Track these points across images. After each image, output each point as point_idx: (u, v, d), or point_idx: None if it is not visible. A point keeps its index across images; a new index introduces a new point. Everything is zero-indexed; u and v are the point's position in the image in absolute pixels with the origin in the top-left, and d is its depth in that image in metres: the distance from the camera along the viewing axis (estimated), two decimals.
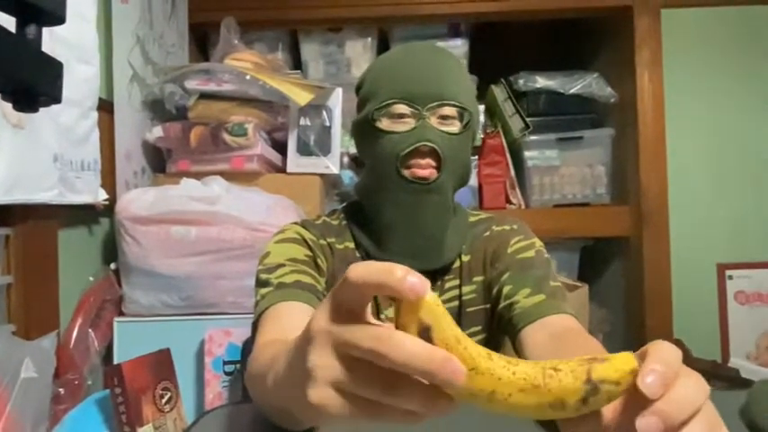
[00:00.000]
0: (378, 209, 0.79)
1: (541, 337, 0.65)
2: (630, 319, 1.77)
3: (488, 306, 0.79)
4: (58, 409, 1.04)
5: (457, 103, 0.76)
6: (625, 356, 0.33)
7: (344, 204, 0.90)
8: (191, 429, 0.56)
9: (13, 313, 1.02)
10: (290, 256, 0.75)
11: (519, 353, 0.69)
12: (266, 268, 0.74)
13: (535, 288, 0.71)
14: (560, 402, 0.32)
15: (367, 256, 0.79)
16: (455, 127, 0.76)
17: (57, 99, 0.31)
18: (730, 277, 1.71)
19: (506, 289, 0.73)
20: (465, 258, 0.81)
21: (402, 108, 0.75)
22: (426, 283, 0.31)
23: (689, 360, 1.53)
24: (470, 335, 0.77)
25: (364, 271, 0.31)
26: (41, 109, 0.31)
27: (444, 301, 0.79)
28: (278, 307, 0.68)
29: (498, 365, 0.32)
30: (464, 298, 0.79)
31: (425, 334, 0.31)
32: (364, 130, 0.80)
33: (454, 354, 0.31)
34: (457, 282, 0.80)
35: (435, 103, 0.74)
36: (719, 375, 1.25)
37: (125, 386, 0.99)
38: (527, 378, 0.32)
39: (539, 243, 0.80)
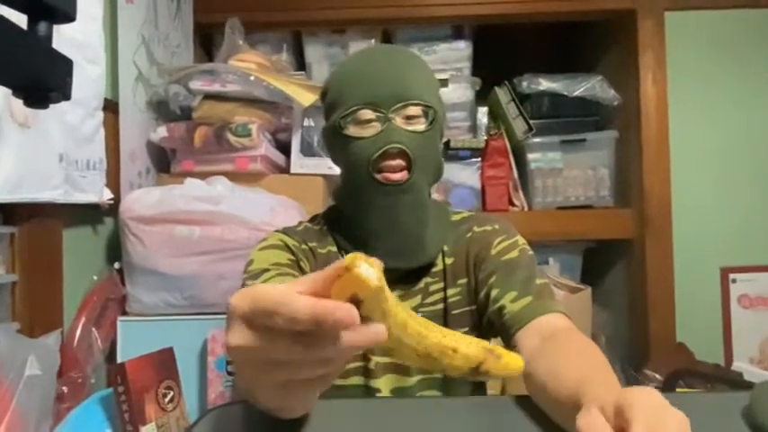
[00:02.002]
0: (356, 213, 0.80)
1: (532, 343, 0.66)
2: (633, 321, 1.77)
3: (474, 308, 0.79)
4: (61, 408, 1.04)
5: (420, 102, 0.76)
6: (516, 360, 0.41)
7: (324, 209, 0.91)
8: (194, 427, 0.57)
9: (18, 311, 1.02)
10: (274, 261, 0.76)
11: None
12: (251, 275, 0.75)
13: (522, 290, 0.72)
14: (445, 371, 0.40)
15: None
16: (421, 125, 0.77)
17: (67, 96, 0.31)
18: (734, 281, 1.70)
19: (494, 293, 0.74)
20: (448, 261, 0.82)
21: (367, 113, 0.76)
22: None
23: (692, 363, 1.53)
24: None
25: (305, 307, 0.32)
26: (47, 109, 0.32)
27: (429, 304, 0.80)
28: None
29: (409, 335, 0.38)
30: (449, 300, 0.80)
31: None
32: (333, 137, 0.81)
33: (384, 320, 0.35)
34: (441, 285, 0.81)
35: (399, 105, 0.75)
36: (722, 378, 1.25)
37: (128, 385, 0.99)
38: (426, 349, 0.39)
39: (521, 241, 0.80)
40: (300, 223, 0.88)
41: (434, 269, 0.82)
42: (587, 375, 0.51)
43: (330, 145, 0.84)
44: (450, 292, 0.81)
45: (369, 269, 0.33)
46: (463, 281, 0.81)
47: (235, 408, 0.60)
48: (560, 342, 0.63)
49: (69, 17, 0.32)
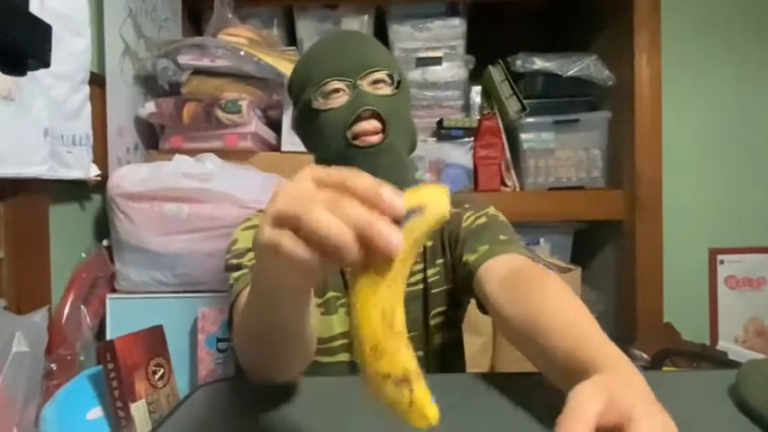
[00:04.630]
0: None
1: (492, 285, 0.66)
2: (622, 301, 1.79)
3: (451, 287, 0.82)
4: (50, 385, 1.04)
5: (384, 67, 0.80)
6: (433, 410, 0.35)
7: None
8: (185, 402, 0.57)
9: (4, 288, 1.01)
10: None
11: (481, 305, 0.72)
12: (235, 254, 0.76)
13: (486, 242, 0.73)
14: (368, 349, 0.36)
15: None
16: (388, 89, 0.80)
17: (46, 63, 0.30)
18: (722, 262, 1.72)
19: (465, 256, 0.75)
20: (428, 243, 0.83)
21: (336, 84, 0.79)
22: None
23: (678, 343, 1.55)
24: (436, 314, 0.81)
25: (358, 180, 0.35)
26: (31, 82, 0.31)
27: (410, 284, 0.82)
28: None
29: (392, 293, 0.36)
30: (429, 281, 0.82)
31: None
32: (306, 117, 0.83)
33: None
34: (422, 266, 0.83)
35: (365, 71, 0.79)
36: (709, 357, 1.27)
37: (118, 362, 0.99)
38: (363, 337, 0.36)
39: (492, 210, 0.82)
40: None
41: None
42: (582, 334, 0.50)
43: (303, 128, 0.86)
44: (429, 272, 0.83)
45: (447, 203, 0.37)
46: (440, 260, 0.83)
47: (225, 384, 0.60)
48: (529, 279, 0.62)
49: None
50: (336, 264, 0.35)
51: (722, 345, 1.64)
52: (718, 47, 1.72)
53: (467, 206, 0.84)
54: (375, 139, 0.77)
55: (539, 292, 0.58)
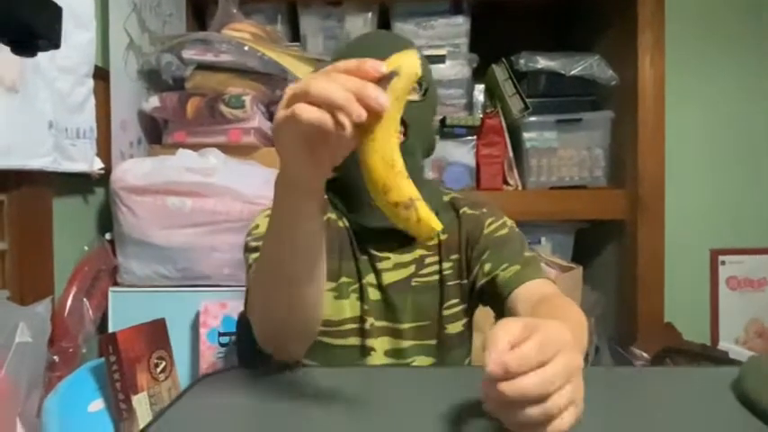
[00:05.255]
0: (355, 178, 0.81)
1: (525, 306, 0.72)
2: (623, 301, 1.79)
3: (465, 282, 0.85)
4: (52, 377, 1.05)
5: None
6: (434, 220, 0.47)
7: None
8: (187, 392, 0.57)
9: (8, 279, 1.02)
10: None
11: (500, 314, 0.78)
12: (255, 237, 0.80)
13: (512, 260, 0.79)
14: (380, 191, 0.47)
15: (350, 224, 0.84)
16: (416, 95, 0.82)
17: (56, 44, 0.30)
18: (723, 263, 1.72)
19: (487, 266, 0.80)
20: (443, 237, 0.86)
21: None
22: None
23: (679, 343, 1.55)
24: (450, 306, 0.85)
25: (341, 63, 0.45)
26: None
27: (425, 275, 0.85)
28: None
29: (388, 135, 0.46)
30: (444, 273, 0.85)
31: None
32: None
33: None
34: (436, 258, 0.86)
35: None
36: (709, 357, 1.27)
37: (120, 354, 0.99)
38: (384, 157, 0.46)
39: (509, 221, 0.87)
40: None
41: (430, 242, 0.85)
42: None
43: None
44: (444, 265, 0.85)
45: (418, 62, 0.45)
46: (455, 257, 0.85)
47: (227, 375, 0.60)
48: (549, 306, 0.68)
49: None
50: (343, 128, 0.43)
51: (723, 345, 1.64)
52: (722, 48, 1.72)
53: (485, 210, 0.87)
54: None
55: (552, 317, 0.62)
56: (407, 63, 0.45)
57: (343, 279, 0.83)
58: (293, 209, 0.54)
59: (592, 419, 0.44)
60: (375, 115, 0.44)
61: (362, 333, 0.82)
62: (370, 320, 0.82)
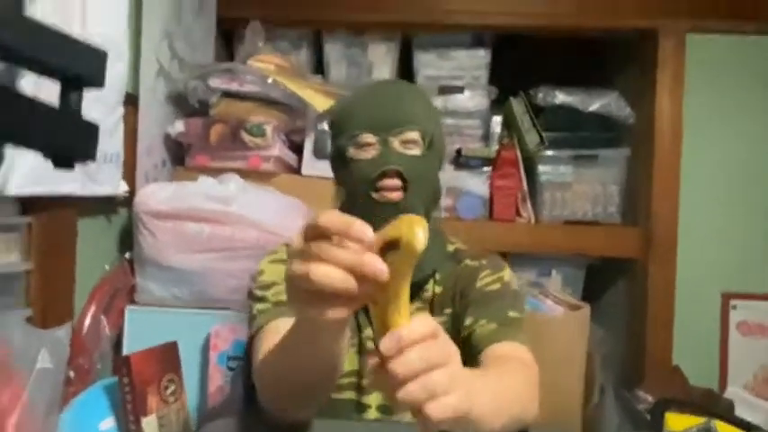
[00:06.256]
0: None
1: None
2: (631, 341, 1.78)
3: (460, 335, 0.83)
4: (67, 392, 1.08)
5: (417, 128, 0.82)
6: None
7: None
8: None
9: (32, 298, 1.06)
10: (283, 276, 0.80)
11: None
12: (261, 285, 0.82)
13: (492, 318, 0.77)
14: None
15: None
16: (418, 150, 0.83)
17: (92, 157, 0.34)
18: (734, 307, 1.71)
19: (468, 320, 0.79)
20: (437, 289, 0.86)
21: (368, 137, 0.82)
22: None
23: (685, 388, 1.54)
24: None
25: (329, 218, 0.45)
26: (74, 169, 0.35)
27: None
28: (277, 322, 0.75)
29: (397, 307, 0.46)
30: None
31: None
32: (338, 160, 0.87)
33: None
34: (427, 312, 0.85)
35: (397, 129, 0.81)
36: (711, 408, 1.26)
37: (132, 377, 1.03)
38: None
39: (507, 276, 0.85)
40: None
41: (424, 294, 0.86)
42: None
43: (335, 167, 0.90)
44: (436, 320, 0.84)
45: (420, 237, 0.42)
46: (448, 311, 0.85)
47: (230, 422, 0.63)
48: (499, 361, 0.68)
49: (99, 83, 0.34)
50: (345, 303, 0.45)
51: (731, 390, 1.63)
52: (742, 90, 1.72)
53: (484, 262, 0.86)
54: (395, 196, 0.81)
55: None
56: (408, 236, 0.43)
57: None
58: (314, 327, 0.53)
59: None
60: (374, 283, 0.44)
61: (359, 389, 0.82)
62: (366, 379, 0.82)
